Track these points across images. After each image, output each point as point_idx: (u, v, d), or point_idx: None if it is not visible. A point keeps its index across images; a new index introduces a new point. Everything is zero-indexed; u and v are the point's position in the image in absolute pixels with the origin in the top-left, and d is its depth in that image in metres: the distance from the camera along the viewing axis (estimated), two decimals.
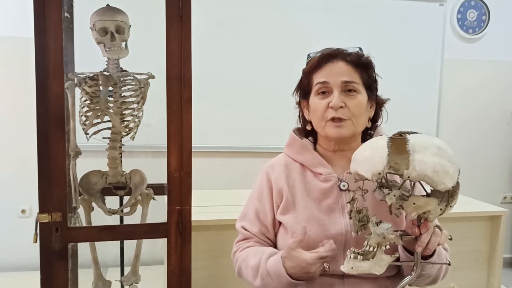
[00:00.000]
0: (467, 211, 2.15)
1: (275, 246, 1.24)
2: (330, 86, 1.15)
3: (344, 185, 1.17)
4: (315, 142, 1.28)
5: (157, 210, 1.75)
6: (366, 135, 1.24)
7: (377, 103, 1.23)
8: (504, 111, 3.45)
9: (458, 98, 3.38)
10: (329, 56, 1.17)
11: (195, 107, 1.35)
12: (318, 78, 1.17)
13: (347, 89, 1.15)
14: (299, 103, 1.28)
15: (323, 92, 1.17)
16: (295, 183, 1.21)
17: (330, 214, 1.15)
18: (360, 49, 1.21)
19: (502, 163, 3.50)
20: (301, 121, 1.30)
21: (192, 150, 1.37)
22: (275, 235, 1.24)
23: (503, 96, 3.44)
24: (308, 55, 1.24)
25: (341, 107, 1.13)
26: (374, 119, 1.24)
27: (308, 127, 1.25)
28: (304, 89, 1.23)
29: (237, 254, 1.23)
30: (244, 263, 1.18)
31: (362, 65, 1.19)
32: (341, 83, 1.14)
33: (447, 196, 0.98)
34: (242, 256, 1.20)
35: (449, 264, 1.13)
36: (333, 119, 1.14)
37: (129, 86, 1.69)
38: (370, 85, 1.20)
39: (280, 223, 1.22)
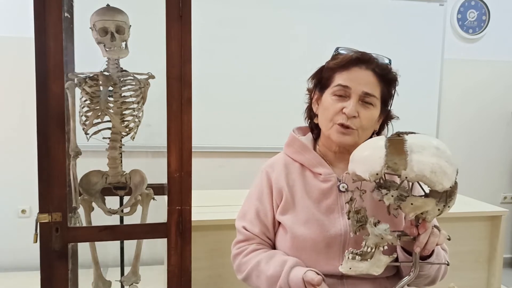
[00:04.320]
0: (467, 211, 2.15)
1: (274, 245, 1.24)
2: (350, 92, 1.13)
3: (343, 186, 1.17)
4: (317, 138, 1.27)
5: (157, 210, 1.75)
6: None
7: (386, 117, 1.22)
8: (504, 111, 3.45)
9: (458, 98, 3.38)
10: (359, 61, 1.14)
11: (195, 107, 1.35)
12: (341, 80, 1.14)
13: (365, 100, 1.14)
14: (311, 91, 1.25)
15: (340, 95, 1.15)
16: (294, 183, 1.21)
17: (329, 215, 1.15)
18: (390, 61, 1.19)
19: (502, 163, 3.49)
20: (307, 110, 1.28)
21: (192, 150, 1.37)
22: (275, 235, 1.24)
23: (503, 96, 3.44)
24: (337, 48, 1.21)
25: (353, 116, 1.12)
26: (378, 133, 1.23)
27: (315, 120, 1.23)
28: (321, 82, 1.21)
29: (241, 258, 1.21)
30: (256, 271, 1.16)
31: (387, 80, 1.17)
32: (361, 92, 1.13)
33: (445, 196, 0.98)
34: (251, 262, 1.18)
35: (448, 264, 1.13)
36: (341, 125, 1.13)
37: (129, 86, 1.69)
38: (387, 100, 1.19)
39: (279, 223, 1.22)
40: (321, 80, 1.21)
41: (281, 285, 1.10)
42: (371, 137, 1.20)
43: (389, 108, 1.22)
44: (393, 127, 1.25)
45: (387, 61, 1.18)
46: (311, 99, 1.25)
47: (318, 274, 1.06)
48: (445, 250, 1.18)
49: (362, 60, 1.14)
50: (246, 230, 1.23)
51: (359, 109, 1.13)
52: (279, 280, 1.10)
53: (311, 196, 1.18)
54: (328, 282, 1.11)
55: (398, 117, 1.24)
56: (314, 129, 1.27)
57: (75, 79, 1.66)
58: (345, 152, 1.19)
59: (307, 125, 1.30)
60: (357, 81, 1.13)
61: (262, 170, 1.28)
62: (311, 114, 1.26)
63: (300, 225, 1.15)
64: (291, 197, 1.19)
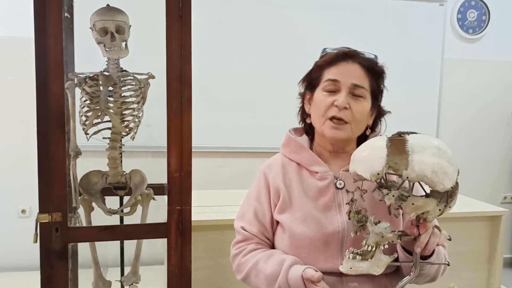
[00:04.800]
0: (467, 211, 2.15)
1: (273, 245, 1.24)
2: (339, 85, 1.15)
3: (340, 183, 1.17)
4: (312, 139, 1.28)
5: (157, 210, 1.75)
6: (362, 140, 1.24)
7: (378, 113, 1.24)
8: (504, 111, 3.45)
9: (458, 98, 3.38)
10: (346, 55, 1.17)
11: (195, 107, 1.35)
12: (330, 75, 1.17)
13: (355, 93, 1.15)
14: (302, 94, 1.28)
15: (330, 90, 1.17)
16: (291, 182, 1.22)
17: (327, 212, 1.16)
18: (376, 56, 1.21)
19: (502, 163, 3.50)
20: (300, 112, 1.30)
21: (192, 150, 1.37)
22: (274, 234, 1.24)
23: (503, 96, 3.44)
24: (324, 49, 1.24)
25: (345, 108, 1.14)
26: (372, 128, 1.24)
27: (308, 120, 1.25)
28: (311, 82, 1.23)
29: (240, 258, 1.22)
30: (255, 270, 1.17)
31: (375, 73, 1.19)
32: (351, 85, 1.15)
33: (446, 196, 0.98)
34: (250, 262, 1.18)
35: (448, 265, 1.14)
36: (334, 118, 1.15)
37: (129, 86, 1.69)
38: (377, 94, 1.21)
39: (277, 222, 1.22)
40: (311, 80, 1.23)
41: (280, 284, 1.10)
42: (365, 132, 1.22)
43: (379, 102, 1.23)
44: (386, 124, 1.27)
45: (373, 56, 1.21)
46: (303, 101, 1.27)
47: (317, 271, 1.06)
48: (444, 247, 1.18)
49: (348, 54, 1.17)
50: (245, 230, 1.24)
51: (350, 102, 1.15)
52: (278, 278, 1.11)
53: (308, 195, 1.19)
54: (327, 280, 1.11)
55: (390, 112, 1.26)
56: (309, 131, 1.29)
57: (75, 79, 1.66)
58: (340, 150, 1.21)
59: (303, 127, 1.31)
60: (346, 74, 1.15)
61: (260, 170, 1.29)
62: (304, 117, 1.28)
63: (298, 224, 1.16)
64: (289, 196, 1.20)
